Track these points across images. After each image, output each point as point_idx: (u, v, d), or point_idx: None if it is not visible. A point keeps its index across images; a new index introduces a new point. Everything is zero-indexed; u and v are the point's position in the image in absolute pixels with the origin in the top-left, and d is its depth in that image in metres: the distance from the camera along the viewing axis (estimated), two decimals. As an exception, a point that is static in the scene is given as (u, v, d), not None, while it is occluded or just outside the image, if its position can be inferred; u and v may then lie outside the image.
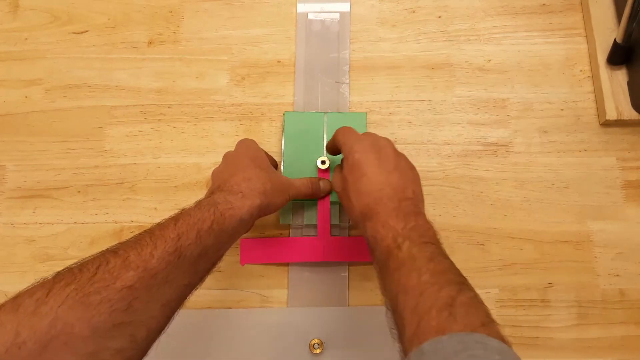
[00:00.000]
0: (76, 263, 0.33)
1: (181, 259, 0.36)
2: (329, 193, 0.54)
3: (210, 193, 0.44)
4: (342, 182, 0.47)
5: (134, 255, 0.34)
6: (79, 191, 0.59)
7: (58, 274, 0.32)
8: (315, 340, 0.53)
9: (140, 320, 0.33)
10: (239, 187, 0.44)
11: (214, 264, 0.41)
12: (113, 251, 0.34)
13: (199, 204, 0.41)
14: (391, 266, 0.38)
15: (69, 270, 0.32)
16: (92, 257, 0.33)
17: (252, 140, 0.51)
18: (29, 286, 0.31)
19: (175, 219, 0.38)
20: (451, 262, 0.37)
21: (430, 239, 0.39)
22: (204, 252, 0.38)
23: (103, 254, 0.34)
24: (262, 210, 0.45)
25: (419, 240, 0.38)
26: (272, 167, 0.50)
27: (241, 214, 0.42)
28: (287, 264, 0.56)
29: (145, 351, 0.34)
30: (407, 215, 0.40)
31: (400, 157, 0.46)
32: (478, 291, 0.54)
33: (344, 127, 0.50)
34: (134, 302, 0.32)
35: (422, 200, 0.44)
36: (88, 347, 0.29)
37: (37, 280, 0.31)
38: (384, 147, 0.46)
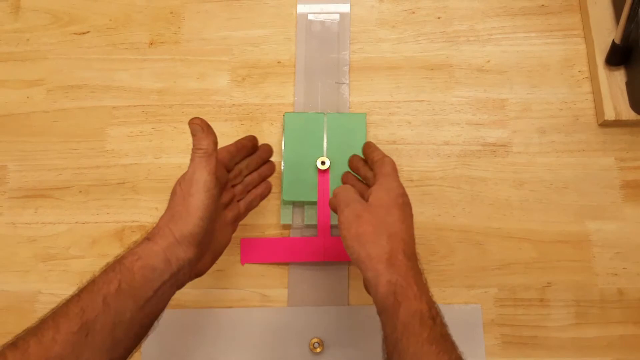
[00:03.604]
0: None
1: (90, 336, 0.32)
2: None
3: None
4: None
5: (34, 345, 0.30)
6: (80, 191, 0.59)
7: None
8: (315, 340, 0.53)
9: None
10: (151, 232, 0.38)
11: (143, 326, 0.36)
12: (12, 344, 0.31)
13: (106, 265, 0.36)
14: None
15: None
16: None
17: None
18: None
19: (80, 290, 0.34)
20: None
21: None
22: (119, 320, 0.33)
23: (2, 350, 0.30)
24: (184, 246, 0.37)
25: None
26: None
27: (152, 262, 0.35)
28: (287, 264, 0.56)
29: None
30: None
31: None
32: (478, 291, 0.55)
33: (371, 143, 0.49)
34: None
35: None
36: None
37: None
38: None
